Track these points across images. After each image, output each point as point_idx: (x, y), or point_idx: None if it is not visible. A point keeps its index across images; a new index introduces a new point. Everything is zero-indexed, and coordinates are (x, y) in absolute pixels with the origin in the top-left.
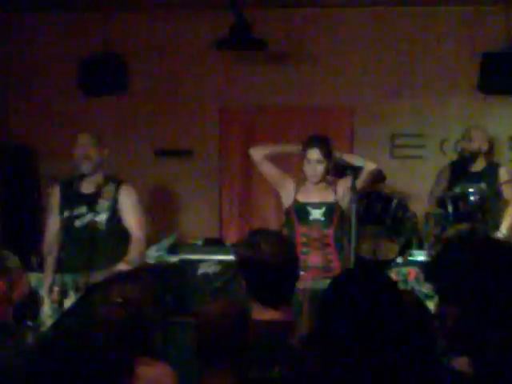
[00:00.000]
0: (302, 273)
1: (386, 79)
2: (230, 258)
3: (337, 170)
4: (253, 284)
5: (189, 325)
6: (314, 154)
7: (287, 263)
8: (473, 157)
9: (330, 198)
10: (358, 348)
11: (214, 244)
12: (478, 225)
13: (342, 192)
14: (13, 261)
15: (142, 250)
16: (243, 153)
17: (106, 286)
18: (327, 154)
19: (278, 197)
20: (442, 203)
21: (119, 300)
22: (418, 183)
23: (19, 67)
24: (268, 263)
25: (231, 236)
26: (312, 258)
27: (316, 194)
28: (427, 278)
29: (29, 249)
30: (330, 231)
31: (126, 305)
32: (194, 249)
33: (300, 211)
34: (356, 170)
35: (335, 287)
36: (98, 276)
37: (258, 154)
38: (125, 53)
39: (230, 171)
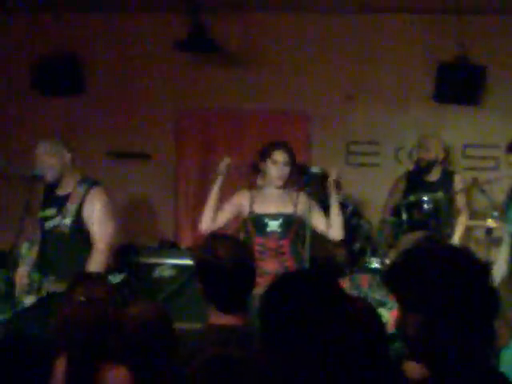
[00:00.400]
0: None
1: (342, 86)
2: (186, 261)
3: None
4: (209, 288)
5: None
6: (281, 155)
7: (243, 269)
8: (429, 166)
9: (287, 208)
10: (302, 353)
11: (170, 247)
12: (432, 233)
13: (303, 210)
14: None
15: (103, 261)
16: (199, 156)
17: (70, 286)
18: (292, 158)
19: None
20: (396, 211)
21: (83, 299)
22: (372, 191)
23: None
24: (224, 268)
25: (186, 240)
26: (268, 265)
27: (273, 204)
28: (388, 286)
29: None
30: (287, 241)
31: (90, 305)
32: (150, 252)
33: (257, 222)
34: (312, 177)
35: (270, 291)
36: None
37: (204, 225)
38: (81, 53)
39: (186, 174)
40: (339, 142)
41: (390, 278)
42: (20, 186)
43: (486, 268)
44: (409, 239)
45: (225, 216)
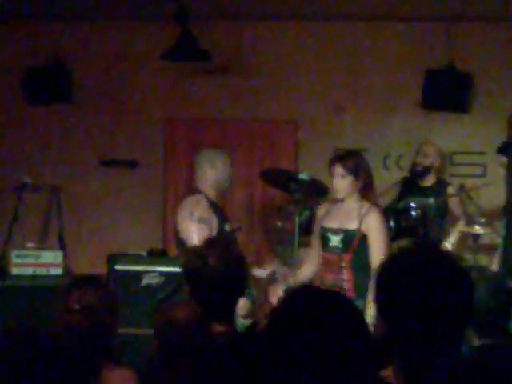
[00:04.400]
0: None
1: (330, 93)
2: (174, 269)
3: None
4: (196, 296)
5: (135, 336)
6: (336, 168)
7: (232, 279)
8: (424, 172)
9: (351, 224)
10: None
11: (158, 255)
12: (419, 240)
13: (366, 228)
14: None
15: None
16: (188, 163)
17: (65, 292)
18: (352, 169)
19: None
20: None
21: (77, 307)
22: None
23: None
24: (212, 277)
25: (175, 248)
26: (327, 276)
27: (336, 219)
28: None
29: None
30: (347, 257)
31: (85, 311)
32: (138, 260)
33: (322, 236)
34: (300, 184)
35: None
36: None
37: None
38: (70, 62)
39: (175, 182)
40: (327, 149)
41: (376, 283)
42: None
43: (464, 275)
44: (395, 246)
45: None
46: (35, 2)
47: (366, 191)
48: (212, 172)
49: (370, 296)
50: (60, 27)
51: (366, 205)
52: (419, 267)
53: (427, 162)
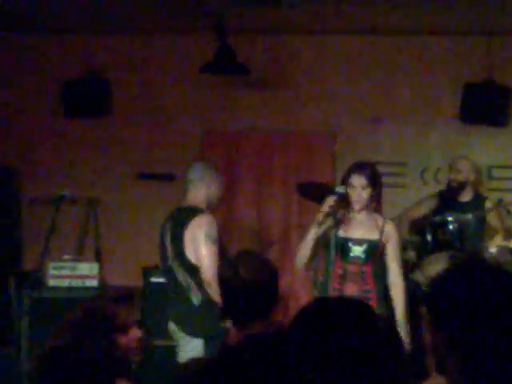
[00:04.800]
0: None
1: (368, 106)
2: None
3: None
4: (227, 304)
5: (168, 348)
6: (358, 179)
7: (263, 289)
8: (460, 187)
9: (373, 234)
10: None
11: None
12: (457, 253)
13: (386, 239)
14: None
15: None
16: (225, 177)
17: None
18: (372, 180)
19: (259, 223)
20: (421, 231)
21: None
22: (397, 211)
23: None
24: (241, 288)
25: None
26: (348, 288)
27: (358, 229)
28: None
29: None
30: (369, 267)
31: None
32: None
33: (340, 246)
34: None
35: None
36: None
37: (299, 265)
38: (108, 75)
39: None
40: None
41: (429, 297)
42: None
43: None
44: (433, 259)
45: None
46: (75, 16)
47: (378, 204)
48: (207, 190)
49: (400, 311)
50: (100, 40)
51: (380, 217)
52: (471, 279)
53: (461, 177)
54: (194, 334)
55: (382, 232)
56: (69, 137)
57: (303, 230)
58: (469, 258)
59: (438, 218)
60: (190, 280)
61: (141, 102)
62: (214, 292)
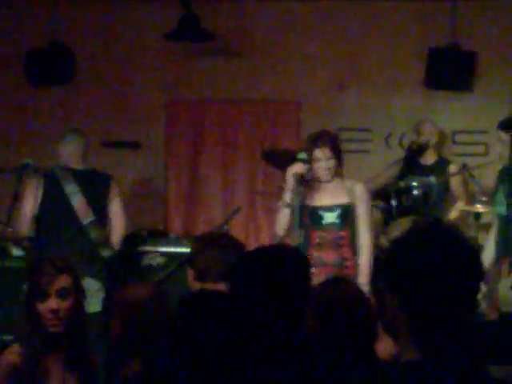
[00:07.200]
0: (314, 269)
1: (333, 73)
2: (174, 249)
3: None
4: None
5: None
6: (322, 152)
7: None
8: (420, 150)
9: (344, 198)
10: None
11: (159, 236)
12: (421, 218)
13: (355, 200)
14: None
15: None
16: (190, 145)
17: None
18: (334, 150)
19: (224, 190)
20: (385, 196)
21: None
22: (363, 177)
23: None
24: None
25: (176, 228)
26: (326, 255)
27: (328, 196)
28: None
29: None
30: (345, 232)
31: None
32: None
33: (313, 216)
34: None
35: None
36: None
37: (281, 233)
38: (72, 43)
39: (177, 163)
40: (330, 128)
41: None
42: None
43: (473, 250)
44: (397, 225)
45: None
46: None
47: (341, 170)
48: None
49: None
50: (63, 9)
51: (348, 180)
52: (430, 243)
53: (422, 139)
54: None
55: (351, 194)
56: (32, 106)
57: (268, 196)
58: (430, 222)
59: (402, 184)
60: None
61: (104, 70)
62: None
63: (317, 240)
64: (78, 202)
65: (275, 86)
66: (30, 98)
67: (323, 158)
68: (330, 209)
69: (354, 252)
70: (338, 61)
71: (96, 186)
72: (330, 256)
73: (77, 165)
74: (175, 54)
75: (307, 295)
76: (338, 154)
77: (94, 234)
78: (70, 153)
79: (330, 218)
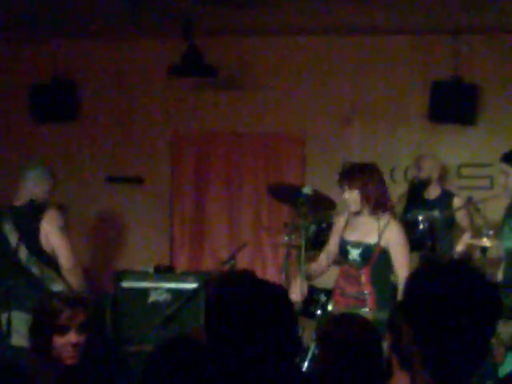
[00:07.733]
0: (337, 297)
1: (337, 107)
2: (181, 285)
3: None
4: None
5: (141, 354)
6: (341, 182)
7: None
8: (422, 185)
9: (371, 238)
10: None
11: (165, 272)
12: (428, 253)
13: (386, 242)
14: None
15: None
16: (195, 179)
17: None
18: (352, 181)
19: (230, 225)
20: None
21: None
22: None
23: None
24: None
25: (182, 264)
26: (348, 288)
27: (357, 232)
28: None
29: None
30: (366, 270)
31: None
32: (144, 276)
33: (341, 249)
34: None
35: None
36: None
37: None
38: (76, 79)
39: (182, 198)
40: (334, 162)
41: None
42: None
43: (493, 286)
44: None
45: (325, 255)
46: (42, 21)
47: (381, 203)
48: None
49: None
50: (66, 44)
51: (385, 218)
52: (450, 278)
53: (423, 175)
54: None
55: (381, 235)
56: (37, 142)
57: (273, 231)
58: (439, 257)
59: (408, 217)
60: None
61: (109, 105)
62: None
63: (343, 272)
64: (13, 240)
65: (279, 119)
66: (35, 133)
67: (346, 190)
68: (355, 245)
69: (376, 288)
70: (341, 95)
71: (28, 221)
72: (351, 289)
73: (17, 200)
74: (179, 88)
75: (294, 325)
76: (361, 188)
77: (34, 270)
78: (17, 188)
79: (354, 254)
